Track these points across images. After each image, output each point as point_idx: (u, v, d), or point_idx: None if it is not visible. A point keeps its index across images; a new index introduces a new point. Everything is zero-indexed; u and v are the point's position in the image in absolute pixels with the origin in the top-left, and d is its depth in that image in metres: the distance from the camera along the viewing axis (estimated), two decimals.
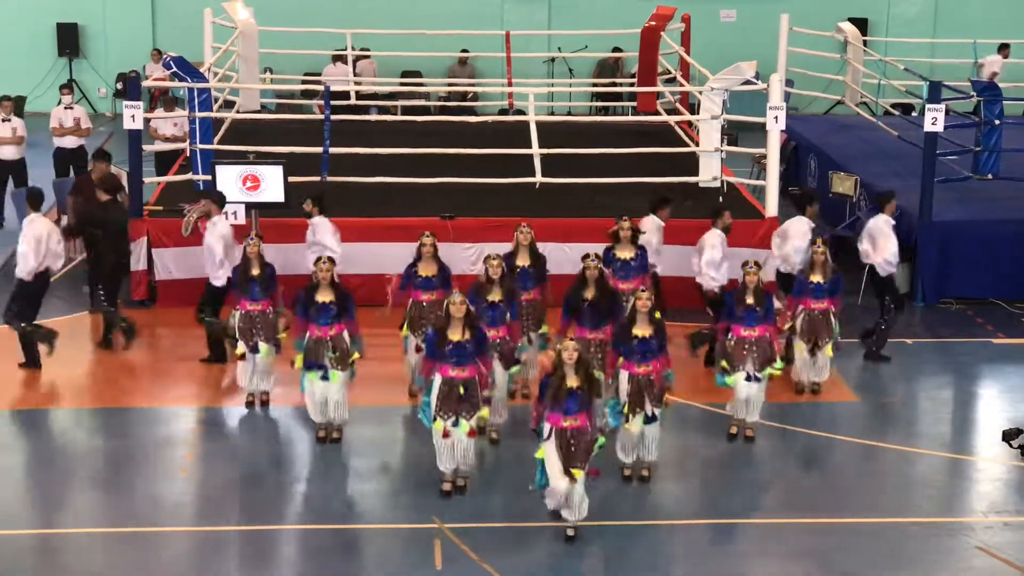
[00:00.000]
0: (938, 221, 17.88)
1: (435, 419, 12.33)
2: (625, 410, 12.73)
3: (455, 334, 12.33)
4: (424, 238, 14.33)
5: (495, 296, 13.50)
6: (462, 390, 12.26)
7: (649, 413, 12.72)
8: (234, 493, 12.90)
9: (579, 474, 11.58)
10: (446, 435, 12.32)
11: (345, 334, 13.41)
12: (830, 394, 15.18)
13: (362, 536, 12.18)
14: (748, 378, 13.69)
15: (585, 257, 13.72)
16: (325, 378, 13.36)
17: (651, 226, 16.11)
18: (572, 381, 11.57)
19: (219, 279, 15.38)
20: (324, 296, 13.35)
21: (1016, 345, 16.87)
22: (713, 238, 15.68)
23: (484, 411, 12.61)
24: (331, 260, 13.44)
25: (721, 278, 15.57)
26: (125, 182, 17.94)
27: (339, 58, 26.65)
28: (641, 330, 12.71)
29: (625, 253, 15.02)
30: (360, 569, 11.67)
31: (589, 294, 13.60)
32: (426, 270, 14.28)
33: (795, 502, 12.91)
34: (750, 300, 13.75)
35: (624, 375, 12.76)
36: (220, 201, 15.82)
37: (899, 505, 12.88)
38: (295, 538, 12.13)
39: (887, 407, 15.17)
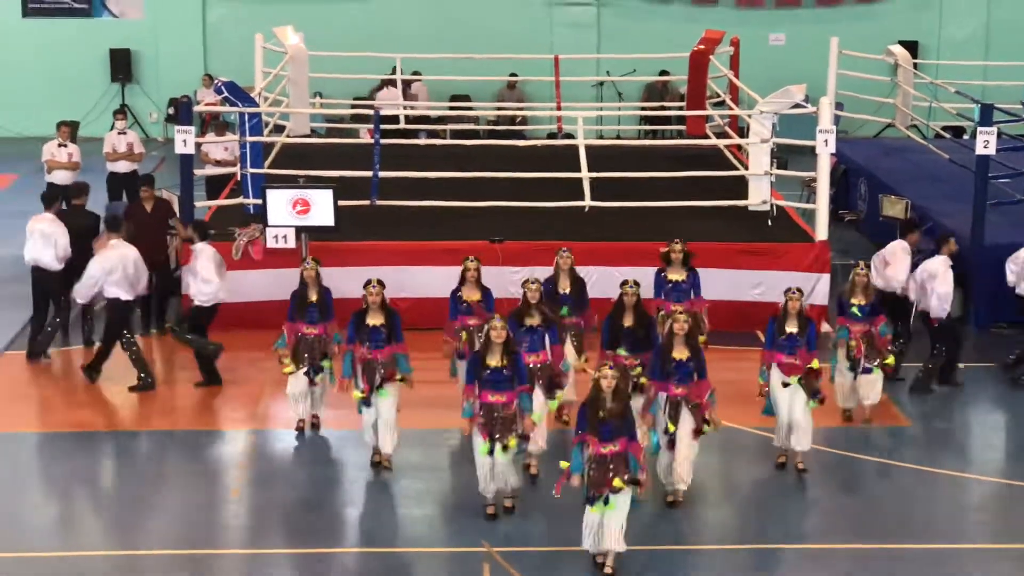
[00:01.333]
0: (990, 244, 17.73)
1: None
2: (670, 428, 12.71)
3: (493, 359, 12.36)
4: (468, 262, 14.33)
5: (533, 321, 13.51)
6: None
7: (688, 432, 12.67)
8: (284, 516, 12.94)
9: (612, 505, 11.51)
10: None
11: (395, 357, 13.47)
12: (881, 418, 15.06)
13: (411, 560, 12.18)
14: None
15: (624, 284, 13.66)
16: (368, 403, 13.42)
17: (900, 252, 16.13)
18: (609, 411, 11.56)
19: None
20: (374, 319, 13.40)
21: None
22: (943, 266, 15.66)
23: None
24: (380, 283, 13.45)
25: (947, 307, 15.70)
26: (176, 207, 18.07)
27: (389, 82, 26.75)
28: (679, 353, 12.68)
29: (676, 275, 14.98)
30: None
31: (627, 321, 13.56)
32: (470, 295, 14.30)
33: (843, 527, 12.80)
34: (791, 328, 13.63)
35: (661, 396, 12.75)
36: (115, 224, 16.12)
37: (950, 531, 12.78)
38: (344, 562, 12.15)
39: (936, 431, 15.05)
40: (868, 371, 14.73)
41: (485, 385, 12.37)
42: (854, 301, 14.76)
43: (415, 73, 27.41)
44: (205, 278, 15.69)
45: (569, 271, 14.55)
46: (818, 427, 14.07)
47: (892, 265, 16.11)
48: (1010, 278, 16.46)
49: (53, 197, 17.30)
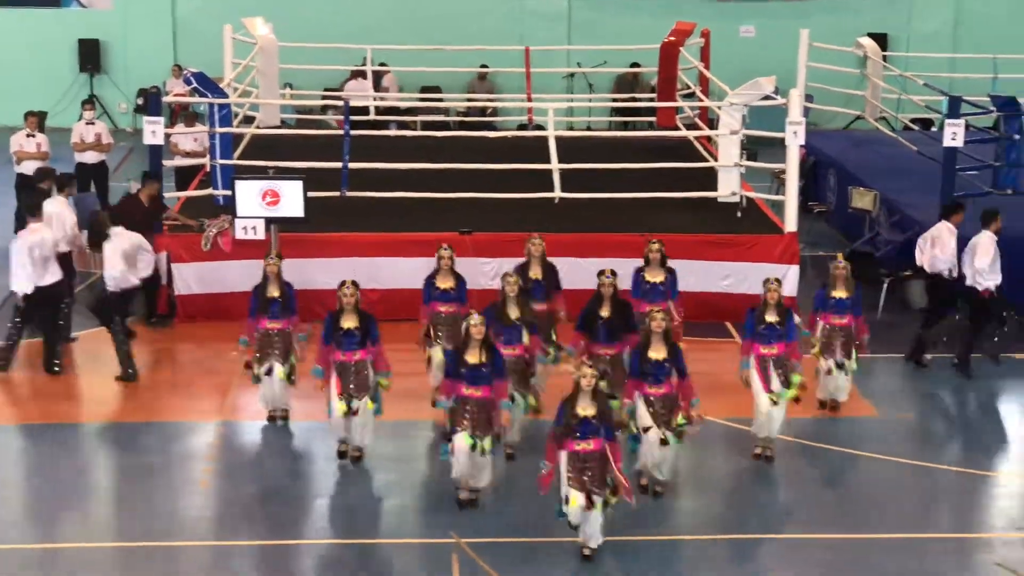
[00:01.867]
0: (958, 236, 17.79)
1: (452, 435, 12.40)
2: (633, 429, 12.74)
3: (472, 356, 12.37)
4: (442, 251, 14.42)
5: (513, 313, 13.54)
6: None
7: (663, 435, 12.67)
8: (253, 507, 12.92)
9: (597, 504, 11.57)
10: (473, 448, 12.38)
11: (368, 362, 13.38)
12: (850, 409, 15.12)
13: (380, 551, 12.20)
14: (774, 401, 13.63)
15: (600, 273, 13.72)
16: (350, 408, 13.33)
17: (946, 232, 16.39)
18: (587, 409, 11.56)
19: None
20: (348, 322, 13.32)
21: None
22: (986, 240, 15.98)
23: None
24: (355, 284, 13.40)
25: (997, 278, 15.99)
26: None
27: (359, 73, 26.71)
28: (655, 352, 12.68)
29: (654, 277, 14.89)
30: None
31: (604, 311, 13.60)
32: (444, 282, 14.36)
33: (814, 518, 12.86)
34: (771, 318, 13.65)
35: (639, 398, 12.75)
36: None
37: (918, 521, 12.85)
38: (313, 553, 12.16)
39: (904, 421, 15.14)
40: (841, 365, 14.77)
41: (462, 379, 12.38)
42: (835, 295, 14.78)
43: (382, 64, 27.37)
44: (112, 264, 15.66)
45: (540, 258, 14.59)
46: (792, 418, 14.12)
47: (939, 245, 16.34)
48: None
49: (68, 180, 17.32)
